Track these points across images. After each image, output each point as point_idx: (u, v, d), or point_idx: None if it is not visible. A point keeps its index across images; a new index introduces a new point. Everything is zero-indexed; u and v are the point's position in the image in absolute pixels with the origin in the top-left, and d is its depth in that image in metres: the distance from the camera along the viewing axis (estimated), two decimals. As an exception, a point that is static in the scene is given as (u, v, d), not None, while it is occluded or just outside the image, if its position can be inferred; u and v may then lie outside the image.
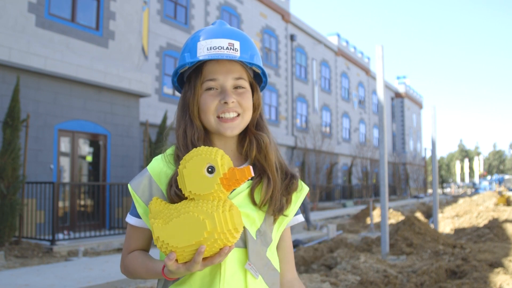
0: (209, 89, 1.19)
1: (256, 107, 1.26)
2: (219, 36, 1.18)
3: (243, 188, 1.17)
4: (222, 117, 1.18)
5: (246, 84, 1.22)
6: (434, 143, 11.64)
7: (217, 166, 1.01)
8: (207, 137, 1.22)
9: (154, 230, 1.01)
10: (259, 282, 1.16)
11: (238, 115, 1.19)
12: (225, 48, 1.17)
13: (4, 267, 6.84)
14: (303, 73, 27.90)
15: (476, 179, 57.28)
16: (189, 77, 1.23)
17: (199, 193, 1.01)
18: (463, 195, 38.58)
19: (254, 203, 1.17)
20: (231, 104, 1.17)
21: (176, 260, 1.01)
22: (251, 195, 1.17)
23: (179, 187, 1.06)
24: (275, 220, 1.20)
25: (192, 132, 1.20)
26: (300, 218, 1.32)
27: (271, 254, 1.22)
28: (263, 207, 1.18)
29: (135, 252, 1.24)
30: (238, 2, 21.27)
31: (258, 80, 1.31)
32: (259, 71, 1.26)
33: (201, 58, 1.16)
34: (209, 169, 1.01)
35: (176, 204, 1.06)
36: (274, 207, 1.18)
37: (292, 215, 1.27)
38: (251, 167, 1.01)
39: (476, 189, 51.92)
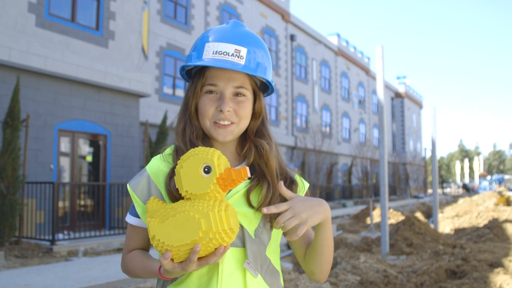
0: (209, 92, 1.19)
1: (257, 115, 1.25)
2: (227, 41, 1.16)
3: (240, 187, 1.17)
4: (217, 123, 1.19)
5: (247, 92, 1.20)
6: (434, 143, 11.64)
7: (214, 166, 1.01)
8: (205, 136, 1.23)
9: (150, 228, 1.02)
10: (258, 281, 1.16)
11: (233, 122, 1.19)
12: (230, 54, 1.15)
13: (4, 267, 6.84)
14: (303, 73, 27.89)
15: (474, 180, 56.35)
16: (194, 75, 1.24)
17: (196, 193, 1.02)
18: (463, 195, 38.55)
19: (250, 204, 1.16)
20: (227, 113, 1.17)
21: (172, 260, 1.01)
22: (246, 196, 1.16)
23: (176, 186, 1.06)
24: (271, 227, 1.18)
25: (191, 130, 1.21)
26: None
27: (271, 253, 1.21)
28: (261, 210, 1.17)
29: (135, 251, 1.25)
30: (238, 2, 21.26)
31: (265, 84, 1.29)
32: (264, 80, 1.24)
33: (204, 63, 1.15)
34: (206, 169, 1.02)
35: (172, 203, 1.06)
36: (271, 214, 1.16)
37: None
38: (247, 168, 1.01)
39: (468, 191, 47.75)
